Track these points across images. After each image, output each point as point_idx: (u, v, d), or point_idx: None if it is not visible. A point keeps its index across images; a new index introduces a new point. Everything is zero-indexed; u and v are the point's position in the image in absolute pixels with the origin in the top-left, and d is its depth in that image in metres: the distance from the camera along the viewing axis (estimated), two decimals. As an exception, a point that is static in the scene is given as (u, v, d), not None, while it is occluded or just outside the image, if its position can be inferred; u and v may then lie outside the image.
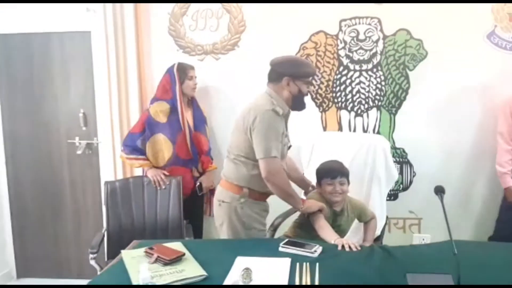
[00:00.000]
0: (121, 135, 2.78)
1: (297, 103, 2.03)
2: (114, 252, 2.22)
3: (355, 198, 2.23)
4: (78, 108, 2.93)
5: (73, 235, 3.03)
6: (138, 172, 2.78)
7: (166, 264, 1.58)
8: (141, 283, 1.36)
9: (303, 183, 2.35)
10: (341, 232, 2.08)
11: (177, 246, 1.74)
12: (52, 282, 3.01)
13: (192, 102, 2.68)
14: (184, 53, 2.83)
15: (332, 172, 2.09)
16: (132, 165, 2.65)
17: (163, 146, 2.55)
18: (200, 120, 2.68)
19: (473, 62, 2.63)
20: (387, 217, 2.53)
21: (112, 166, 2.80)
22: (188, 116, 2.62)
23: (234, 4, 2.75)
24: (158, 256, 1.60)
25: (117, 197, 2.42)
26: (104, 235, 2.35)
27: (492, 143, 2.66)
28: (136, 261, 1.60)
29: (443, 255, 1.51)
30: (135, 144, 2.55)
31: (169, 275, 1.50)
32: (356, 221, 2.24)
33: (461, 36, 2.62)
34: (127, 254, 1.68)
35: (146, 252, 1.66)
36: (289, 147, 2.18)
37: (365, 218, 2.20)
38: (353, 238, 2.21)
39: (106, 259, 2.35)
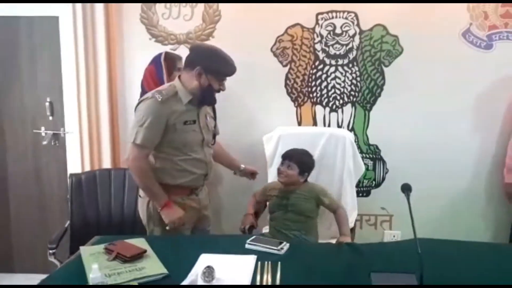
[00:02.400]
0: (89, 125, 2.67)
1: (205, 97, 1.97)
2: (77, 248, 2.10)
3: (316, 184, 2.27)
4: (44, 96, 2.81)
5: (38, 229, 2.92)
6: (106, 164, 2.69)
7: (125, 261, 1.51)
8: (90, 283, 1.29)
9: (231, 165, 2.38)
10: (293, 210, 2.11)
11: (139, 242, 1.67)
12: (15, 277, 2.90)
13: None
14: (157, 42, 2.74)
15: (285, 154, 2.20)
16: None
17: None
18: None
19: (448, 59, 2.62)
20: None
21: (79, 157, 2.70)
22: None
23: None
24: (118, 253, 1.54)
25: (82, 191, 2.33)
26: (66, 230, 2.26)
27: (467, 142, 2.69)
28: (95, 258, 1.53)
29: (410, 253, 1.49)
30: None
31: (128, 273, 1.44)
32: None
33: (436, 34, 2.61)
34: (85, 251, 1.61)
35: (105, 248, 1.59)
36: (214, 135, 2.15)
37: (325, 201, 2.15)
38: (321, 226, 2.28)
39: (69, 255, 2.26)
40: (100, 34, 2.64)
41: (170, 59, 2.46)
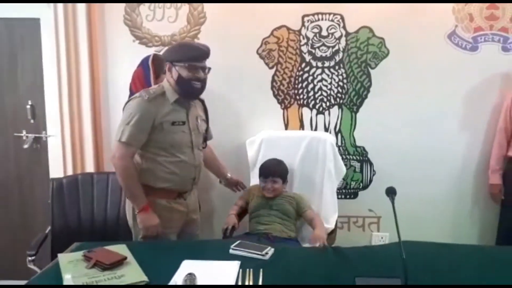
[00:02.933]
0: (71, 128, 2.61)
1: (182, 90, 1.94)
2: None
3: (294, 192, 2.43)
4: (25, 99, 2.74)
5: (20, 234, 2.84)
6: (89, 168, 2.64)
7: (105, 269, 1.47)
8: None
9: (218, 172, 2.40)
10: (278, 209, 2.26)
11: (120, 249, 1.63)
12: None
13: None
14: (141, 44, 2.69)
15: (265, 171, 2.31)
16: None
17: None
18: None
19: (434, 61, 2.62)
20: (340, 216, 2.56)
21: (62, 161, 2.63)
22: None
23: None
24: (97, 261, 1.49)
25: (63, 195, 2.27)
26: (47, 236, 2.20)
27: (454, 143, 2.69)
28: (73, 266, 1.49)
29: (396, 257, 1.47)
30: None
31: (107, 281, 1.40)
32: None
33: (422, 36, 2.61)
34: (63, 258, 1.56)
35: (84, 255, 1.55)
36: (205, 138, 2.14)
37: (303, 207, 2.29)
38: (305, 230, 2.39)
39: (50, 262, 2.20)
40: (82, 36, 2.58)
41: (158, 62, 2.41)
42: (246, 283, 1.39)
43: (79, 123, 2.63)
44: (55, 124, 2.66)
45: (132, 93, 2.38)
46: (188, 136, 1.98)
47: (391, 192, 1.53)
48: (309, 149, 2.52)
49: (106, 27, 2.67)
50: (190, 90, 1.94)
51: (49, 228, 2.27)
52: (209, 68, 1.97)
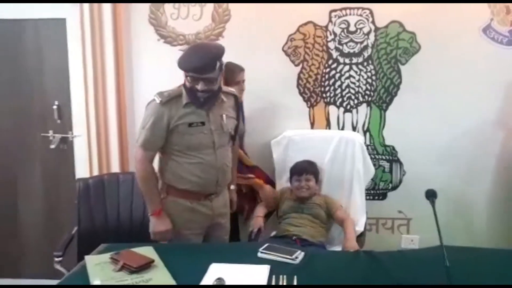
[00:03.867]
0: (97, 129, 2.61)
1: (189, 98, 1.86)
2: (84, 254, 2.06)
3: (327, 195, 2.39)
4: (52, 99, 2.76)
5: (46, 234, 2.87)
6: (114, 168, 2.63)
7: (132, 272, 1.44)
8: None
9: None
10: (310, 213, 2.23)
11: (147, 251, 1.60)
12: (22, 283, 2.86)
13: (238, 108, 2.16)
14: (166, 43, 2.67)
15: (299, 169, 2.31)
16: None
17: None
18: None
19: (468, 56, 2.51)
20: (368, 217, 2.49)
21: (88, 161, 2.64)
22: None
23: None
24: (124, 263, 1.47)
25: (89, 196, 2.26)
26: (73, 236, 2.20)
27: (487, 143, 2.57)
28: (100, 268, 1.47)
29: (433, 263, 1.39)
30: None
31: (135, 285, 1.37)
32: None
33: (455, 30, 2.50)
34: (91, 260, 1.55)
35: (111, 258, 1.52)
36: (232, 136, 2.02)
37: (333, 207, 2.28)
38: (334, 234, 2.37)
39: (76, 262, 2.19)
40: (108, 36, 2.57)
41: (229, 71, 2.16)
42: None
43: (104, 123, 2.63)
44: (81, 125, 2.67)
45: None
46: (209, 136, 1.90)
47: (431, 195, 1.44)
48: (337, 150, 2.46)
49: (131, 27, 2.66)
50: (195, 100, 1.86)
51: (75, 228, 2.26)
52: (217, 79, 1.85)
